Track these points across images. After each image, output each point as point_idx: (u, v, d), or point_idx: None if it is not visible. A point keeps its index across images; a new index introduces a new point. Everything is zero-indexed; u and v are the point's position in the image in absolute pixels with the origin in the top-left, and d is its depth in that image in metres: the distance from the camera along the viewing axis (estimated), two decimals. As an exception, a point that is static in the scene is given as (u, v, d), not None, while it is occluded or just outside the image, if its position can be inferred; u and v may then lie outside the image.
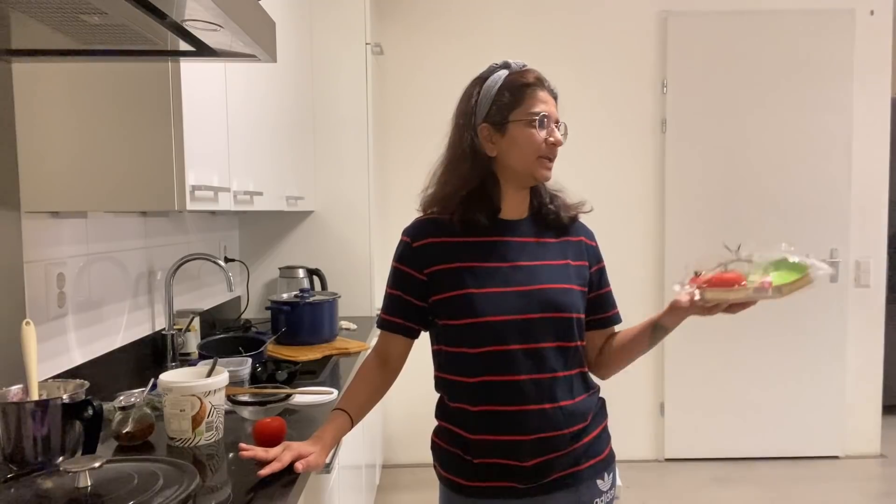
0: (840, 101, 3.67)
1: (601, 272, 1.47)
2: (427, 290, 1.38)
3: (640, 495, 3.41)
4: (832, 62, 3.65)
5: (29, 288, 1.52)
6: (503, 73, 1.38)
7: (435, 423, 1.46)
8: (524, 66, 1.39)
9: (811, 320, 3.75)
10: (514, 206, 1.41)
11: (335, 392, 1.75)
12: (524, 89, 1.35)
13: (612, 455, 1.45)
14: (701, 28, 3.67)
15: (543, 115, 1.34)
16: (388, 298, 1.43)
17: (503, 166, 1.38)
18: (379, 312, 1.47)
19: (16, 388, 1.28)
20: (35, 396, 1.26)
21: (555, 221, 1.42)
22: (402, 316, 1.41)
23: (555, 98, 1.39)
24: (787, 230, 3.72)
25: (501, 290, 1.33)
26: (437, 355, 1.43)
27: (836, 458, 3.82)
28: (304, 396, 1.72)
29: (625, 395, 3.79)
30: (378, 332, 1.47)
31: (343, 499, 2.05)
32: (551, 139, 1.35)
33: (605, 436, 1.44)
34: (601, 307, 1.46)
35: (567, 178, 1.49)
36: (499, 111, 1.35)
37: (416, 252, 1.39)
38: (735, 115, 3.68)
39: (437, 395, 1.45)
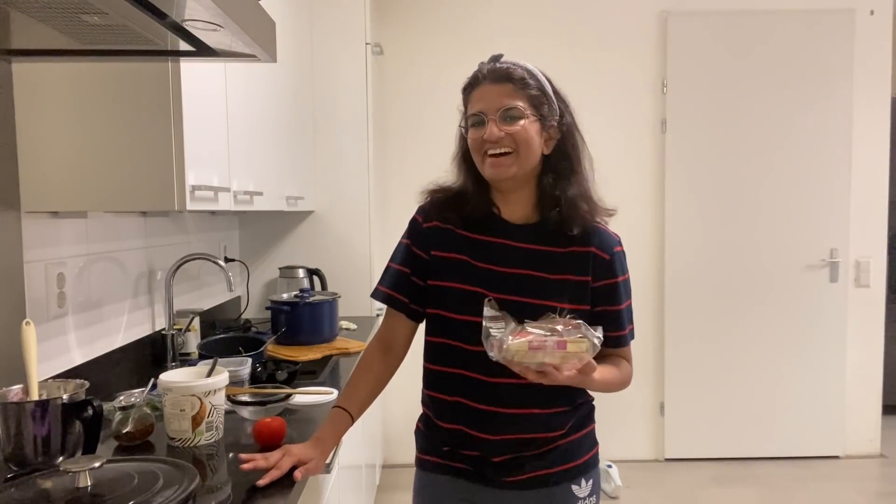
0: (840, 101, 3.67)
1: (612, 288, 1.33)
2: (430, 271, 1.37)
3: (640, 495, 3.41)
4: (832, 62, 3.65)
5: (29, 288, 1.52)
6: None
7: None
8: (491, 59, 1.34)
9: (811, 320, 3.75)
10: (515, 209, 1.35)
11: (335, 392, 1.75)
12: (466, 93, 1.35)
13: (593, 461, 1.41)
14: (701, 28, 3.67)
15: (475, 115, 1.31)
16: (394, 274, 1.40)
17: None
18: (377, 285, 1.42)
19: (16, 388, 1.28)
20: (35, 396, 1.26)
21: (560, 230, 1.32)
22: (407, 295, 1.40)
23: (509, 81, 1.28)
24: (787, 230, 3.72)
25: (485, 293, 1.30)
26: (425, 343, 1.42)
27: (836, 458, 3.82)
28: (304, 396, 1.72)
29: (625, 395, 3.74)
30: (378, 321, 1.46)
31: (343, 499, 2.04)
32: (484, 136, 1.28)
33: (586, 442, 1.40)
34: (599, 325, 1.24)
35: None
36: (463, 119, 1.36)
37: (424, 232, 1.39)
38: (735, 115, 3.68)
39: None
